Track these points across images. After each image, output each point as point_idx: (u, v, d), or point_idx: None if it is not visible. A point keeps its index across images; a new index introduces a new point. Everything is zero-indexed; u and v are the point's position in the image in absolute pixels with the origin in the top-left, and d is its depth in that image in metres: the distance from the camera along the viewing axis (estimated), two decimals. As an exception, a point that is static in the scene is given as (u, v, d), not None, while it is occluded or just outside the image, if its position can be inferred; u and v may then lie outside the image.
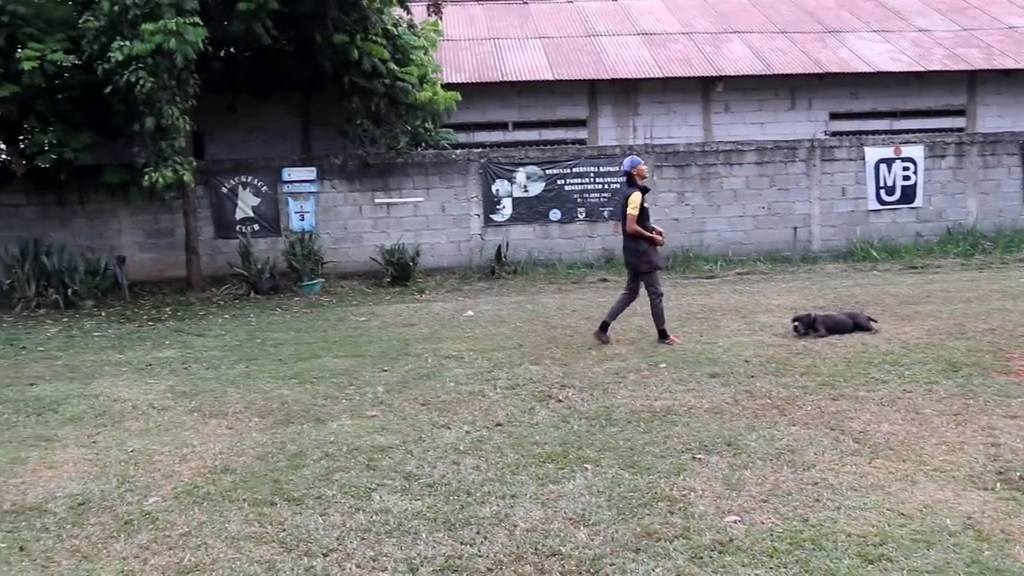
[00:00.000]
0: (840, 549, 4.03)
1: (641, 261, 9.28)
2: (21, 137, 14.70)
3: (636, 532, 4.29)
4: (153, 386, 8.21)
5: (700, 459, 5.33)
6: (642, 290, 9.41)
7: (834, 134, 19.41)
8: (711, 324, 10.23)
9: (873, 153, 17.55)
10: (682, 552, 4.05)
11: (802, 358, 8.09)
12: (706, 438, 5.73)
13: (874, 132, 19.14)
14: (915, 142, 17.78)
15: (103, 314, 13.65)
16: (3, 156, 15.45)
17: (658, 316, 9.29)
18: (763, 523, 4.34)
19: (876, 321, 9.43)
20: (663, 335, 9.25)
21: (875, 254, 16.74)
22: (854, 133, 18.99)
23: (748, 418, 6.20)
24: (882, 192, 17.60)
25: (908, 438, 5.59)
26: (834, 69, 19.40)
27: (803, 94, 19.87)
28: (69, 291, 14.47)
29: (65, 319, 13.28)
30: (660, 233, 9.45)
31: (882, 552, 3.99)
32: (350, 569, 4.02)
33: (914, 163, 17.57)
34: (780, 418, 6.17)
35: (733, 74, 19.23)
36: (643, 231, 9.17)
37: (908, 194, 17.64)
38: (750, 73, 19.26)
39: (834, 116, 20.02)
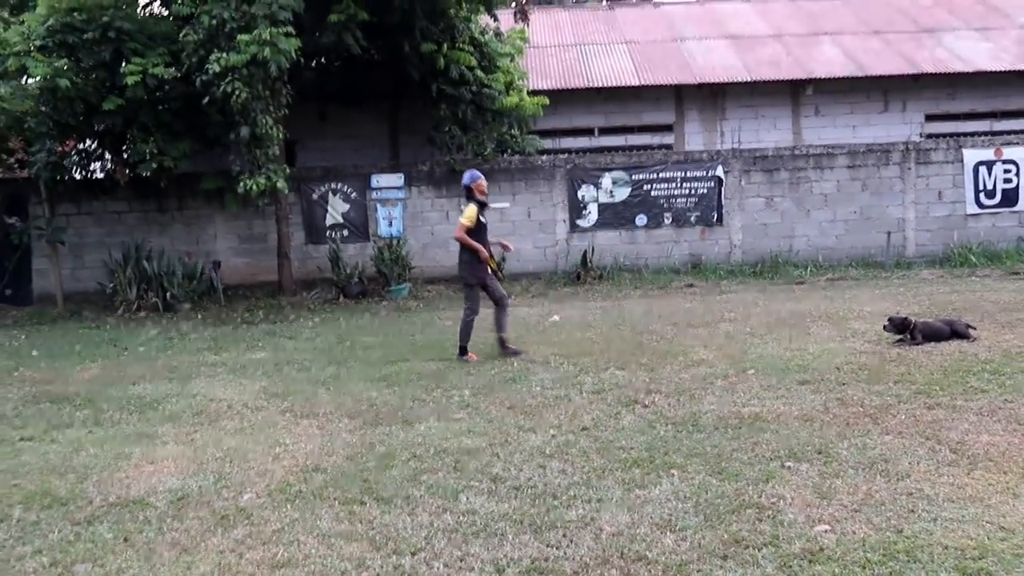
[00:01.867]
0: (936, 562, 3.91)
1: (468, 273, 9.40)
2: (124, 147, 15.27)
3: (723, 539, 4.24)
4: (247, 387, 8.44)
5: (789, 467, 5.23)
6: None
7: (930, 136, 18.87)
8: (801, 330, 10.02)
9: (972, 155, 16.98)
10: (771, 560, 3.99)
11: (896, 366, 7.88)
12: (796, 446, 5.62)
13: (973, 133, 18.54)
14: (1017, 143, 17.12)
15: (199, 317, 14.10)
16: (108, 165, 16.07)
17: (464, 332, 9.38)
18: (855, 533, 4.25)
19: (975, 328, 9.11)
20: (463, 351, 9.34)
21: (974, 259, 16.18)
22: (951, 135, 18.40)
23: (839, 426, 6.06)
24: (981, 195, 17.00)
25: (1009, 449, 5.39)
26: (930, 69, 18.88)
27: (897, 96, 19.39)
28: (168, 294, 15.00)
29: (164, 321, 13.76)
30: (504, 246, 9.80)
31: (981, 566, 3.86)
32: (438, 568, 4.07)
33: (1016, 165, 16.93)
34: (873, 427, 6.01)
35: (824, 76, 18.89)
36: (468, 240, 9.22)
37: (1010, 197, 17.00)
38: (842, 75, 18.89)
39: (930, 118, 19.48)
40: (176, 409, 7.59)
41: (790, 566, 3.92)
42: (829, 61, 19.44)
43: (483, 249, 9.30)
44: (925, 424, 6.00)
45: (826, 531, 4.28)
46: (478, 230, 9.33)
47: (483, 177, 9.58)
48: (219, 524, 4.76)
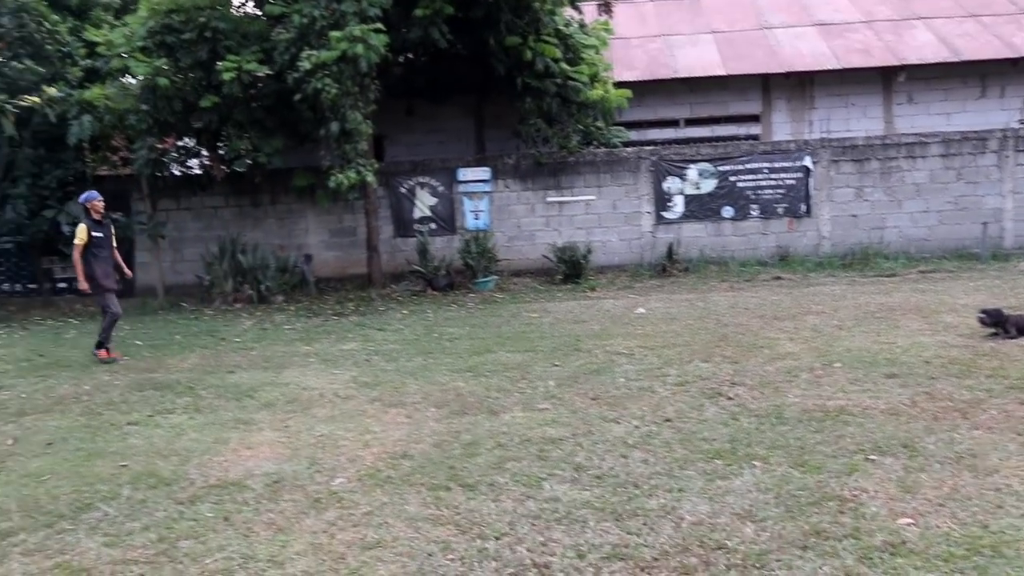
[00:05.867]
0: (1023, 558, 3.87)
1: (91, 285, 10.44)
2: (220, 144, 15.80)
3: (804, 530, 4.25)
4: (338, 376, 8.70)
5: (873, 460, 5.19)
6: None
7: (1031, 123, 18.17)
8: (890, 324, 9.83)
9: (1076, 142, 16.32)
10: (851, 552, 3.99)
11: (988, 360, 7.68)
12: (880, 439, 5.57)
13: (1078, 120, 17.79)
14: (1125, 130, 16.41)
15: (292, 308, 14.52)
16: (205, 162, 16.64)
17: (104, 329, 10.50)
18: (939, 527, 4.21)
19: (1074, 322, 8.81)
20: (99, 345, 10.45)
21: (1077, 251, 15.57)
22: (1054, 121, 17.70)
23: (927, 420, 5.97)
24: (1086, 184, 16.34)
25: (1107, 446, 5.24)
26: (1031, 53, 18.16)
27: (995, 81, 18.72)
28: (262, 287, 15.48)
29: (258, 313, 14.21)
30: (122, 272, 10.94)
31: (1071, 563, 3.79)
32: (521, 552, 4.19)
33: (1124, 152, 16.22)
34: (962, 421, 5.91)
35: (917, 63, 18.34)
36: (78, 263, 10.29)
37: (1117, 186, 16.30)
38: (935, 61, 18.32)
39: (1031, 103, 18.76)
40: (271, 397, 7.89)
41: (870, 558, 3.92)
42: (922, 46, 18.87)
43: (82, 273, 10.38)
44: (1017, 419, 5.87)
45: (909, 524, 4.25)
46: (95, 244, 10.43)
47: (99, 197, 10.69)
48: (312, 506, 4.97)
